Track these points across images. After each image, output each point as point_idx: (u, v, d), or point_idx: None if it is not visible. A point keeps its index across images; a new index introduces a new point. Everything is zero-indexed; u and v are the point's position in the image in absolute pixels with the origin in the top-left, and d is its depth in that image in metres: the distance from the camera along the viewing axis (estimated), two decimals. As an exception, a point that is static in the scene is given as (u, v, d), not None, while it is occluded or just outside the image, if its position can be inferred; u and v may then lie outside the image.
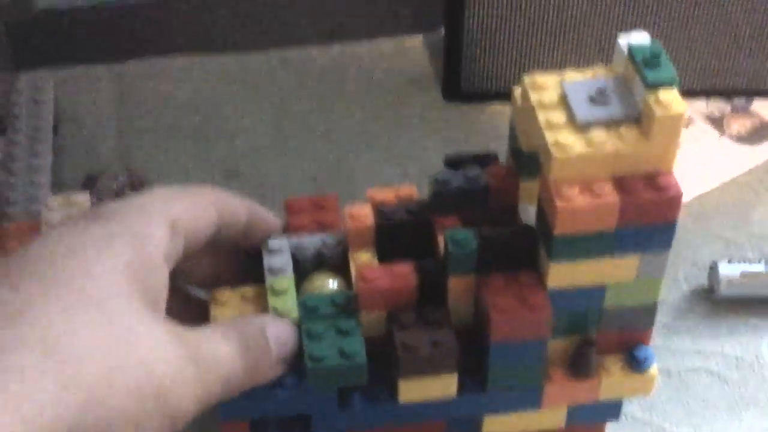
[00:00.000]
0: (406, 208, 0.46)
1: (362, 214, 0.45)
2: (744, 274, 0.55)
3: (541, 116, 0.40)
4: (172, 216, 0.39)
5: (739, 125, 0.67)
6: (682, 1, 0.64)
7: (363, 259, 0.45)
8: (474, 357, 0.43)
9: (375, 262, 0.45)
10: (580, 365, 0.44)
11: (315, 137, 0.67)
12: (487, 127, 0.67)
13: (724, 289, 0.55)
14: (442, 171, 0.45)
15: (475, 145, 0.64)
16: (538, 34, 0.65)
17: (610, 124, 0.40)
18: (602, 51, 0.66)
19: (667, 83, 0.39)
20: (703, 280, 0.57)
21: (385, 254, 0.45)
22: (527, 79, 0.42)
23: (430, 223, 0.45)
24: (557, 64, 0.66)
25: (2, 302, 0.34)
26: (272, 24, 0.73)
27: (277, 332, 0.41)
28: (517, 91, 0.43)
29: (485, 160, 0.46)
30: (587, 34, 0.65)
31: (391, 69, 0.71)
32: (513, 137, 0.45)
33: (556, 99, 0.41)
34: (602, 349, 0.44)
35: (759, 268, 0.56)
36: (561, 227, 0.39)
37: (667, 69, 0.39)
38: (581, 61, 0.66)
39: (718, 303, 0.56)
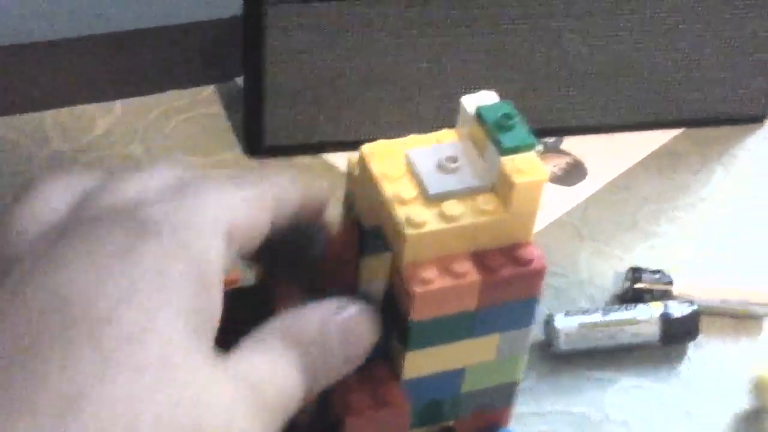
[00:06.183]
0: None
1: None
2: (582, 326, 0.53)
3: (387, 190, 0.36)
4: (229, 225, 0.32)
5: (553, 165, 0.66)
6: (485, 44, 0.62)
7: None
8: None
9: None
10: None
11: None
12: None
13: (562, 344, 0.53)
14: None
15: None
16: (345, 81, 0.61)
17: (464, 194, 0.36)
18: (412, 100, 0.63)
19: (524, 148, 0.35)
20: (538, 334, 0.54)
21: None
22: (366, 148, 0.37)
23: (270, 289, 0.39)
24: (367, 112, 0.63)
25: (47, 385, 0.27)
26: (42, 83, 0.66)
27: (344, 326, 0.33)
28: (353, 161, 0.39)
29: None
30: (397, 84, 0.62)
31: (184, 124, 0.65)
32: (349, 209, 0.40)
33: (402, 169, 0.37)
34: (460, 435, 0.40)
35: (596, 318, 0.53)
36: (418, 313, 0.35)
37: (523, 132, 0.36)
38: (392, 110, 0.63)
39: (557, 358, 0.54)
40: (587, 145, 0.67)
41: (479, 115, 0.37)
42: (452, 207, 0.35)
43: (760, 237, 0.63)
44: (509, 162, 0.35)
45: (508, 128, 0.36)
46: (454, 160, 0.37)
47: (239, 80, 0.67)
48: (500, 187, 0.36)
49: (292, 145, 0.63)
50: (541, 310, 0.55)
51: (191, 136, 0.65)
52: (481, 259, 0.36)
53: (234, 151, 0.64)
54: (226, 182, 0.33)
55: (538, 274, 0.36)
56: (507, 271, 0.36)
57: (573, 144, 0.67)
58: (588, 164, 0.66)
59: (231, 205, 0.32)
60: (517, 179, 0.35)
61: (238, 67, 0.64)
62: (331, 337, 0.33)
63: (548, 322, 0.54)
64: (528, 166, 0.35)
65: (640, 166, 0.67)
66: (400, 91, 0.63)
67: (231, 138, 0.65)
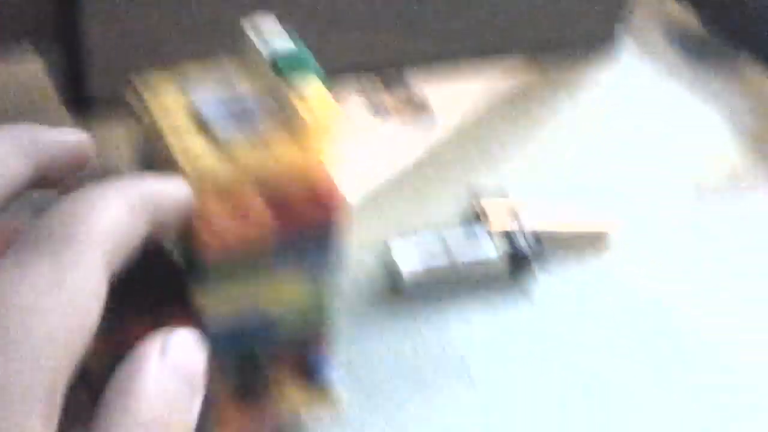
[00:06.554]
0: None
1: None
2: (427, 270, 0.52)
3: (174, 140, 0.34)
4: (109, 256, 0.29)
5: (396, 104, 0.64)
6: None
7: None
8: None
9: None
10: (253, 397, 0.39)
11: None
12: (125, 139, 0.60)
13: (406, 281, 0.52)
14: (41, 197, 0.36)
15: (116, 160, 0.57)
16: (170, 31, 0.59)
17: (255, 134, 0.34)
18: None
19: (312, 80, 0.34)
20: (382, 272, 0.53)
21: None
22: (141, 83, 0.35)
23: None
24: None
25: None
26: None
27: (183, 369, 0.29)
28: (134, 99, 0.36)
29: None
30: (225, 33, 0.59)
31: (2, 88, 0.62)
32: (141, 155, 0.38)
33: (183, 107, 0.35)
34: (279, 376, 0.39)
35: (440, 253, 0.52)
36: (210, 258, 0.34)
37: (308, 64, 0.34)
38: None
39: (400, 294, 0.52)
40: (431, 83, 0.66)
41: (262, 48, 0.35)
42: (241, 148, 0.34)
43: (607, 165, 0.62)
44: (298, 97, 0.34)
45: (295, 62, 0.34)
46: (243, 101, 0.35)
47: (57, 39, 0.64)
48: (291, 125, 0.34)
49: (115, 98, 0.60)
50: (387, 251, 0.54)
51: (10, 99, 0.61)
52: (274, 199, 0.34)
53: (57, 109, 0.61)
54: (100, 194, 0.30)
55: (334, 208, 0.35)
56: (301, 209, 0.34)
57: (416, 82, 0.66)
58: (433, 101, 0.65)
59: (107, 224, 0.29)
60: (306, 116, 0.34)
61: (55, 25, 0.61)
62: (173, 387, 0.29)
63: (391, 259, 0.52)
64: (320, 104, 0.34)
65: (487, 99, 0.66)
66: (227, 41, 0.60)
67: (53, 96, 0.62)
